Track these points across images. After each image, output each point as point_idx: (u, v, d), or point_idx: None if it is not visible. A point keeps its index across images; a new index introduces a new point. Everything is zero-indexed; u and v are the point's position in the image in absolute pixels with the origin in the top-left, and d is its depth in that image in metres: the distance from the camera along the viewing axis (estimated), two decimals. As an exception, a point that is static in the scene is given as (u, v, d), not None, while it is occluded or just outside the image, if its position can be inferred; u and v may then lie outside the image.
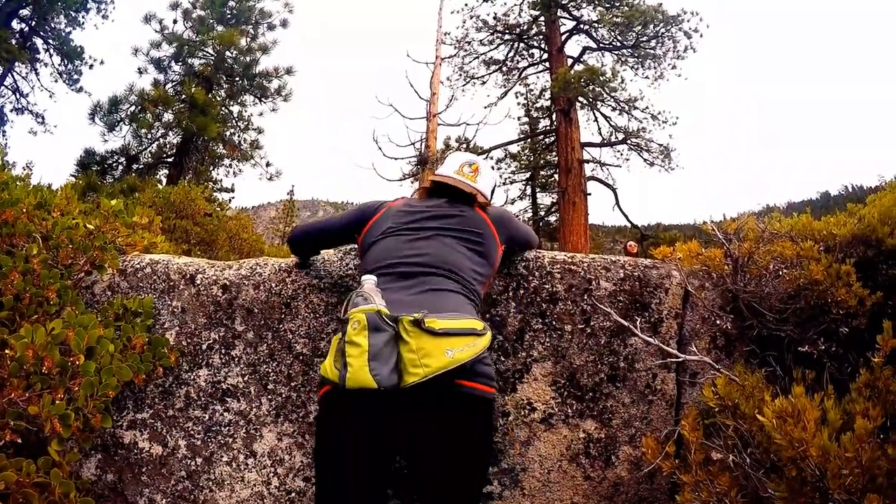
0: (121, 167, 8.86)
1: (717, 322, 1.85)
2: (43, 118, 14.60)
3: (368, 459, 1.31)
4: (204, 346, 1.98)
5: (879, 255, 1.87)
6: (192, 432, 1.88)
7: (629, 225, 15.46)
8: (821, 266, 1.81)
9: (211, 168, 10.58)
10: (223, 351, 1.97)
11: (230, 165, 10.79)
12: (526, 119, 18.76)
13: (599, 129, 14.91)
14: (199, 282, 2.04)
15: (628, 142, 13.83)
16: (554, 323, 1.87)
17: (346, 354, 1.19)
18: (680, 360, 1.72)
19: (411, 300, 1.39)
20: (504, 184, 21.61)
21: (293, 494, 1.82)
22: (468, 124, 12.33)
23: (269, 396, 1.91)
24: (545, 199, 22.20)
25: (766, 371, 1.73)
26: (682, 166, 13.35)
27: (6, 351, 1.34)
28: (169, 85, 9.76)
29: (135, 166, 8.94)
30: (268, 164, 10.83)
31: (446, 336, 1.24)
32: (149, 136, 8.71)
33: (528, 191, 22.08)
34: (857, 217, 2.16)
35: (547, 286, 1.91)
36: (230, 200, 17.66)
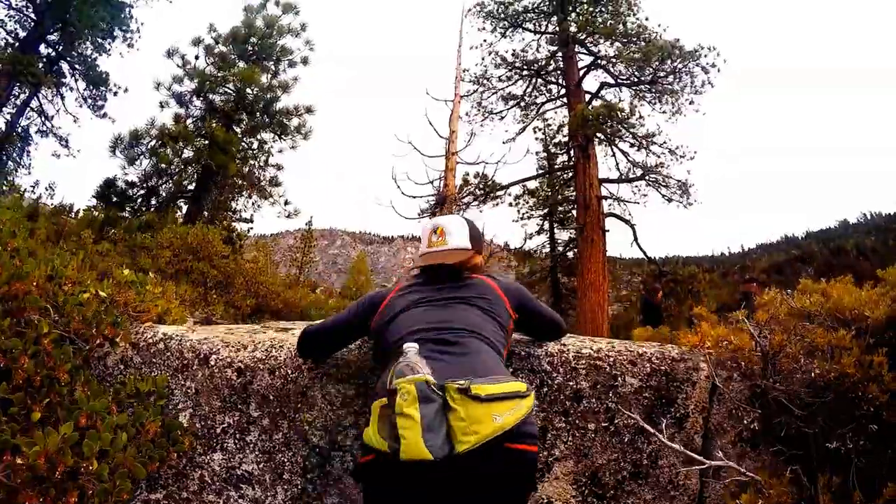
0: (140, 199, 9.07)
1: (744, 420, 1.77)
2: (67, 141, 15.03)
3: None
4: (218, 430, 1.95)
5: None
6: (203, 524, 1.84)
7: (647, 259, 15.23)
8: (852, 357, 1.73)
9: (230, 199, 10.78)
10: (238, 436, 1.94)
11: (249, 197, 10.98)
12: (544, 154, 18.86)
13: (617, 164, 14.89)
14: (213, 363, 2.02)
15: (646, 178, 13.76)
16: (577, 422, 1.81)
17: (399, 427, 1.18)
18: (704, 466, 1.63)
19: (452, 364, 1.39)
20: (521, 219, 21.67)
21: None
22: (487, 163, 12.40)
23: (285, 486, 1.86)
24: (563, 235, 22.13)
25: (791, 474, 1.64)
26: (699, 201, 13.20)
27: (17, 460, 1.33)
28: (190, 120, 10.01)
29: (153, 200, 9.17)
30: (286, 203, 11.03)
31: (492, 402, 1.25)
32: (168, 170, 8.93)
33: (546, 226, 22.05)
34: (892, 296, 2.08)
35: (571, 383, 1.85)
36: (249, 230, 18.01)
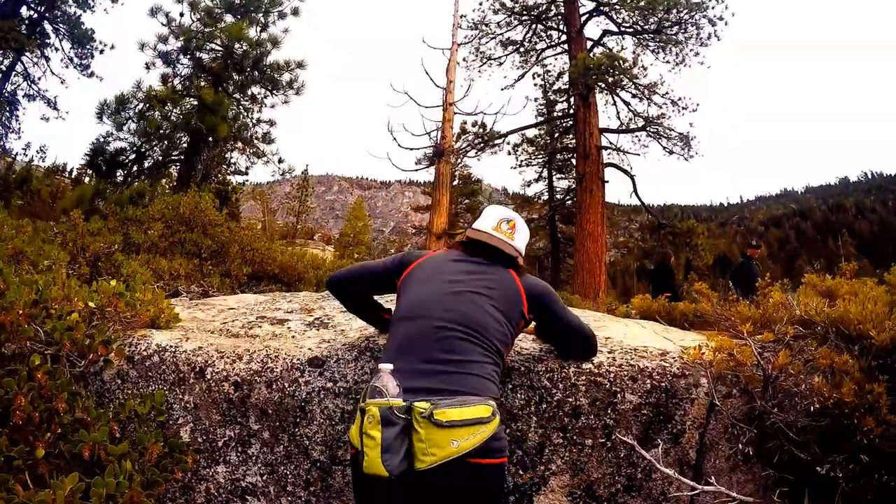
0: (130, 164, 8.82)
1: (741, 439, 1.79)
2: (55, 103, 14.59)
3: None
4: (220, 444, 1.97)
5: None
6: (210, 537, 1.90)
7: (646, 210, 15.14)
8: (851, 383, 1.71)
9: (224, 155, 10.50)
10: (240, 449, 1.96)
11: (243, 153, 10.70)
12: (543, 102, 18.29)
13: (618, 113, 14.49)
14: (209, 376, 2.01)
15: (647, 129, 13.41)
16: (575, 437, 1.82)
17: (364, 444, 1.32)
18: (696, 492, 1.66)
19: (430, 373, 1.46)
20: (520, 166, 21.32)
21: None
22: (485, 113, 12.08)
23: (290, 498, 1.91)
24: (562, 183, 21.87)
25: (779, 497, 1.68)
26: (700, 154, 12.95)
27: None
28: (178, 80, 9.56)
29: (144, 164, 8.91)
30: (280, 161, 10.73)
31: (453, 428, 1.34)
32: (158, 134, 8.62)
33: (545, 173, 21.75)
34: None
35: (571, 399, 1.85)
36: (244, 182, 17.70)
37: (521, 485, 1.83)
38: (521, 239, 1.84)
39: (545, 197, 23.36)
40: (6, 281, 1.81)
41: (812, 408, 1.71)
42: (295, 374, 1.96)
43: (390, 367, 1.42)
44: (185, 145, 9.40)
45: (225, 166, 11.74)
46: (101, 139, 8.75)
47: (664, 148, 13.08)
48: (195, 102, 8.95)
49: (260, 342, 2.21)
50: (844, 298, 2.39)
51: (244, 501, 1.92)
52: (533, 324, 1.83)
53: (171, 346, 2.12)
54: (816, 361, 1.80)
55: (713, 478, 1.78)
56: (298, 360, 2.00)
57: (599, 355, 1.95)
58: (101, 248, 4.12)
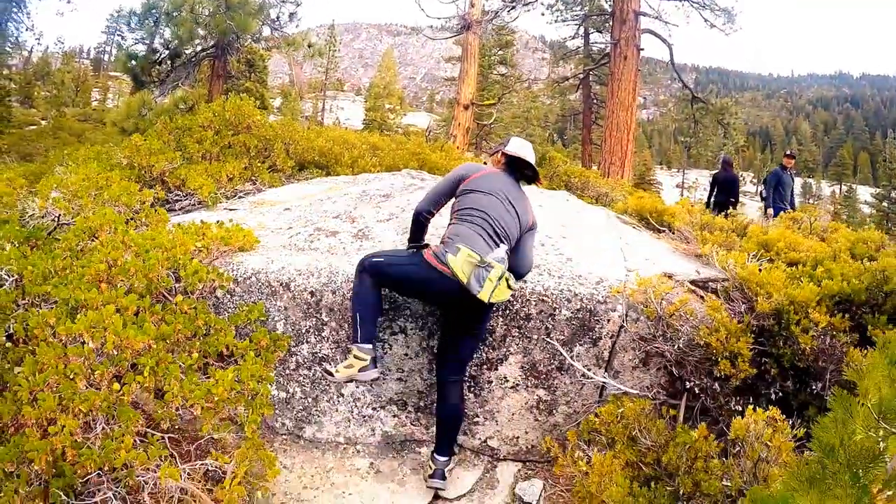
0: (162, 64, 9.15)
1: (637, 355, 2.76)
2: None
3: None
4: (303, 330, 3.09)
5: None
6: (303, 384, 3.11)
7: (682, 84, 14.61)
8: (722, 335, 2.50)
9: (255, 41, 10.62)
10: (316, 333, 3.08)
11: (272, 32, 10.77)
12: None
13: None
14: (292, 288, 3.07)
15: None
16: (526, 333, 2.85)
17: (486, 279, 2.39)
18: (602, 384, 2.70)
19: (491, 246, 2.58)
20: (556, 22, 19.95)
21: (365, 418, 3.09)
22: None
23: (346, 363, 3.06)
24: (599, 43, 20.55)
25: (654, 396, 2.69)
26: (742, 27, 12.09)
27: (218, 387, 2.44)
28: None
29: (177, 62, 9.24)
30: (309, 45, 10.78)
31: (509, 289, 2.47)
32: (187, 34, 8.79)
33: (581, 31, 20.40)
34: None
35: (525, 309, 2.83)
36: (270, 49, 17.59)
37: (492, 357, 2.92)
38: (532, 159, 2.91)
39: (580, 56, 22.21)
40: (144, 247, 2.82)
41: (693, 342, 2.62)
42: (349, 284, 2.98)
43: (506, 247, 2.59)
44: (213, 43, 9.57)
45: (253, 41, 11.84)
46: (134, 42, 9.04)
47: (705, 20, 12.22)
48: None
49: (322, 257, 3.23)
50: (778, 253, 3.16)
51: (320, 364, 3.10)
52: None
53: (262, 269, 3.15)
54: (706, 310, 2.66)
55: (620, 373, 2.81)
56: (349, 273, 2.99)
57: (548, 279, 2.88)
58: (164, 166, 5.02)
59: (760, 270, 2.82)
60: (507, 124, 26.09)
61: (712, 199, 8.69)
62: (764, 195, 8.30)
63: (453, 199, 2.82)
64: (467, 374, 2.88)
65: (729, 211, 5.48)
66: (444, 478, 2.70)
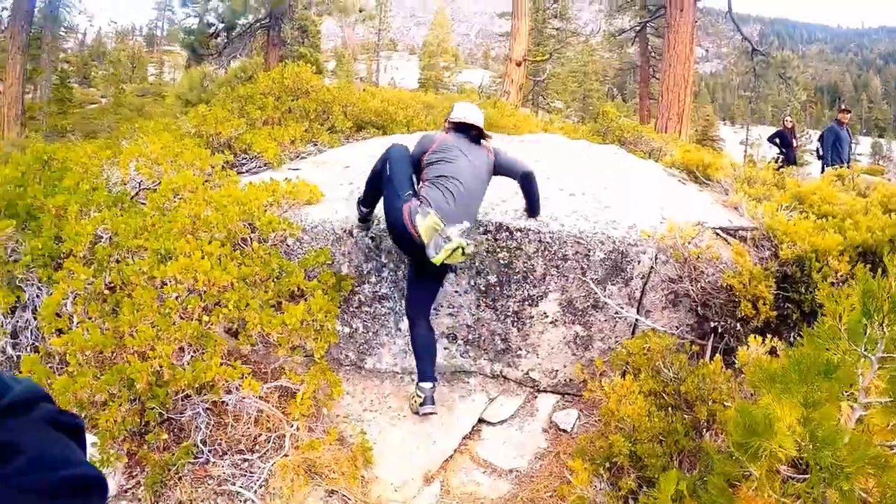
0: (218, 37, 9.63)
1: (666, 295, 2.99)
2: None
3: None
4: (364, 272, 3.51)
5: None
6: (364, 320, 3.55)
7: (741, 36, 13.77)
8: (745, 278, 2.69)
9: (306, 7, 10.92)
10: (377, 274, 3.49)
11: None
12: None
13: None
14: (355, 234, 3.47)
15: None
16: (564, 273, 3.13)
17: (441, 245, 2.66)
18: (634, 321, 2.95)
19: (456, 210, 2.84)
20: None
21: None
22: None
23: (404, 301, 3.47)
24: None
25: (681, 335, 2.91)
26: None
27: (268, 331, 2.89)
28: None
29: (233, 34, 9.72)
30: (360, 10, 10.98)
31: (465, 254, 2.70)
32: (241, 6, 9.20)
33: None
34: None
35: (562, 250, 3.11)
36: (321, 14, 17.91)
37: (533, 294, 3.23)
38: (480, 119, 3.21)
39: (636, 7, 21.15)
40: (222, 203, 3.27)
41: (718, 284, 2.82)
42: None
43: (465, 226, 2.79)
44: (266, 13, 9.95)
45: (304, 9, 12.17)
46: (185, 16, 9.53)
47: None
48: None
49: (380, 206, 3.58)
50: (812, 206, 3.26)
51: (381, 303, 3.51)
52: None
53: (327, 219, 3.56)
54: (732, 255, 2.84)
55: (651, 312, 3.05)
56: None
57: (584, 223, 3.13)
58: (230, 133, 5.51)
59: (789, 220, 2.94)
60: (565, 79, 25.38)
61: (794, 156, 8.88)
62: (821, 153, 7.96)
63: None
64: (511, 310, 3.21)
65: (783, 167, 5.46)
66: (433, 402, 2.95)
